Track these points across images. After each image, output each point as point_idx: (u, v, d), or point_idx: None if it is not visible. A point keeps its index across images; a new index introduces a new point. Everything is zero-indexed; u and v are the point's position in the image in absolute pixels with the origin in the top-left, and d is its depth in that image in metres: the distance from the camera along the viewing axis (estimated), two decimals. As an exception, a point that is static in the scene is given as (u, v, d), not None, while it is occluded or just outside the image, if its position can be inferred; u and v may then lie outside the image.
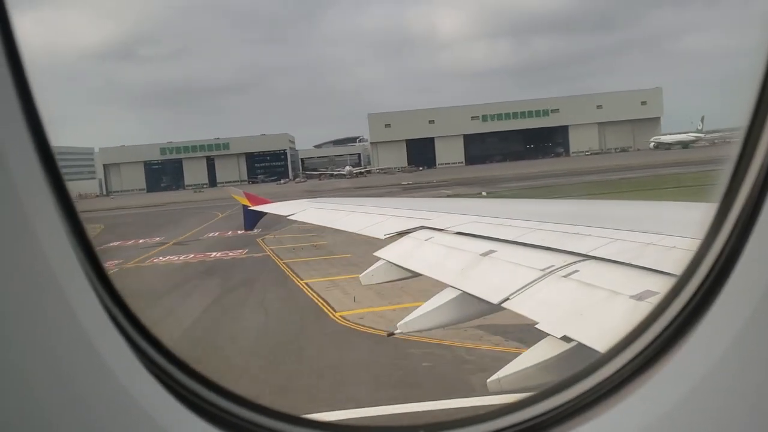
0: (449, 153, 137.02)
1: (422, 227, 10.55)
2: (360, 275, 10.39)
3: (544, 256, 6.89)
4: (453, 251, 8.83)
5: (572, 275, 6.07)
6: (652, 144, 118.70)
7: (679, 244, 5.46)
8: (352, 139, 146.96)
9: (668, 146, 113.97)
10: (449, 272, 7.98)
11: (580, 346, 4.79)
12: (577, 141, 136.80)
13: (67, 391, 1.65)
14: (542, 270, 6.42)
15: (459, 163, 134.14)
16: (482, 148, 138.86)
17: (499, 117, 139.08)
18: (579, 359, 4.68)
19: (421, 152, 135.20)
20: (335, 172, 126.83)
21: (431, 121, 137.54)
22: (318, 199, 22.73)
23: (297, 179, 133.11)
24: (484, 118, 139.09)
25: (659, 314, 2.00)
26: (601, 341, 4.32)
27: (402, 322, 7.76)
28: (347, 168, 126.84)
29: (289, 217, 18.68)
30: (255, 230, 38.49)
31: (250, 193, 27.20)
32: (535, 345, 5.47)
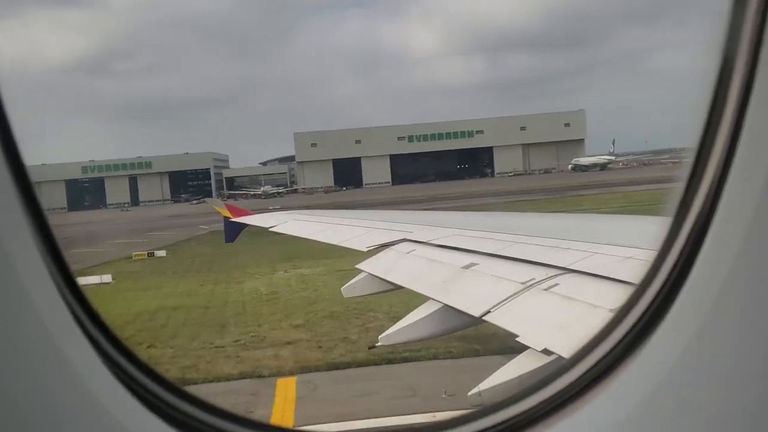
0: (376, 173, 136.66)
1: (404, 240, 10.57)
2: (342, 288, 10.39)
3: (525, 269, 6.94)
4: (435, 264, 8.86)
5: (553, 288, 6.12)
6: (570, 166, 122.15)
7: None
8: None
9: (585, 168, 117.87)
10: (431, 285, 8.01)
11: (561, 359, 4.82)
12: (501, 162, 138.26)
13: (32, 394, 1.63)
14: (523, 283, 6.47)
15: (386, 183, 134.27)
16: (415, 168, 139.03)
17: (425, 138, 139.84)
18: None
19: (348, 172, 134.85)
20: (251, 192, 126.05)
21: (358, 141, 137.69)
22: (301, 210, 22.70)
23: (212, 198, 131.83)
24: (410, 138, 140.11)
25: (620, 321, 2.09)
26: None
27: (384, 334, 7.76)
28: (262, 188, 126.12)
29: (270, 229, 18.62)
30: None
31: (231, 204, 27.09)
32: (516, 358, 5.50)
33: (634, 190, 63.20)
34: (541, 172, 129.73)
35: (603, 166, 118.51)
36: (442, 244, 9.55)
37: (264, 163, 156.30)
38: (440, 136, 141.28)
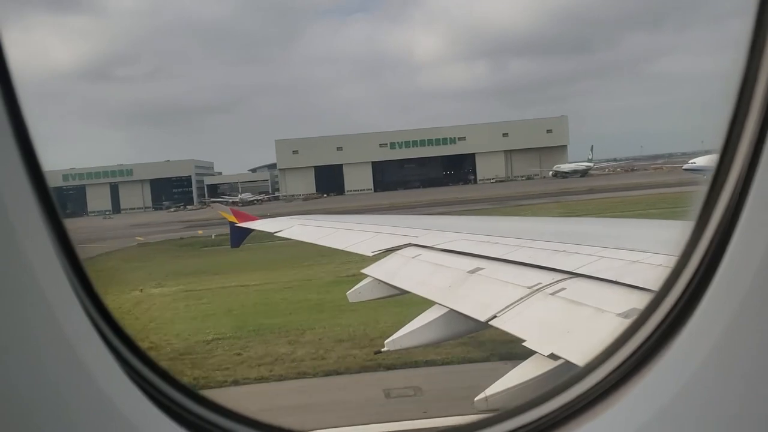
0: (358, 180, 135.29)
1: (410, 244, 10.55)
2: (347, 292, 10.36)
3: (531, 273, 6.92)
4: (440, 268, 8.84)
5: (559, 293, 6.10)
6: (551, 172, 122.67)
7: (666, 263, 5.50)
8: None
9: (566, 174, 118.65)
10: (437, 289, 7.99)
11: (567, 364, 4.79)
12: (484, 168, 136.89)
13: (49, 396, 1.64)
14: (529, 288, 6.44)
15: (368, 189, 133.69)
16: (401, 174, 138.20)
17: (407, 144, 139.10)
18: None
19: (330, 179, 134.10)
20: (229, 200, 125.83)
21: (339, 148, 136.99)
22: (305, 216, 22.70)
23: (190, 206, 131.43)
24: (392, 145, 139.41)
25: (639, 327, 2.06)
26: (588, 359, 4.32)
27: (389, 339, 7.74)
28: (240, 196, 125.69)
29: (276, 234, 18.61)
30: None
31: (237, 210, 27.10)
32: (523, 363, 5.47)
33: (587, 198, 62.69)
34: (524, 178, 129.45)
35: (583, 173, 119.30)
36: (447, 248, 9.53)
37: (253, 170, 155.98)
38: (422, 143, 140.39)
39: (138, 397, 1.90)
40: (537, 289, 6.33)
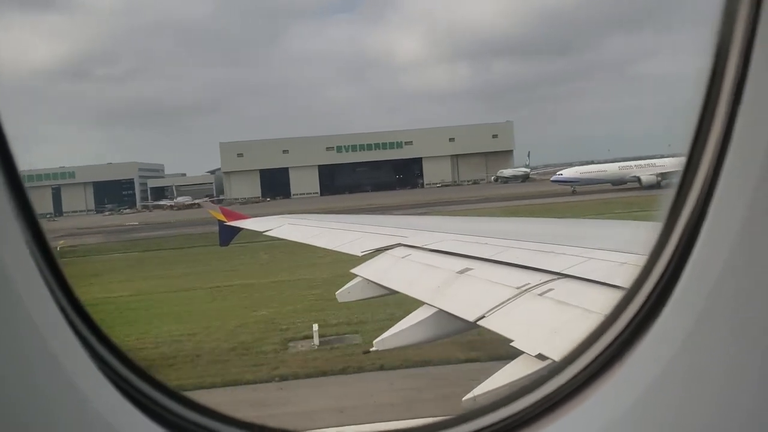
0: (304, 183, 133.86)
1: (399, 245, 10.58)
2: (336, 292, 10.37)
3: (519, 274, 6.96)
4: (430, 269, 8.87)
5: (547, 293, 6.14)
6: (493, 177, 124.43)
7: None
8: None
9: (506, 180, 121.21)
10: (426, 290, 8.01)
11: (554, 364, 4.82)
12: (431, 173, 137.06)
13: (23, 393, 1.64)
14: (518, 288, 6.48)
15: (314, 193, 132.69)
16: (353, 178, 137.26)
17: (354, 148, 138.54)
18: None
19: (276, 182, 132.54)
20: (167, 203, 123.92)
21: (285, 151, 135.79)
22: (295, 215, 22.67)
23: (128, 209, 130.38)
24: (339, 149, 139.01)
25: (611, 323, 2.11)
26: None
27: (378, 339, 7.75)
28: (177, 199, 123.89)
29: (265, 233, 18.57)
30: None
31: (226, 208, 27.01)
32: (511, 363, 5.51)
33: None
34: (470, 183, 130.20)
35: (524, 178, 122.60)
36: (436, 248, 9.55)
37: (212, 172, 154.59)
38: (369, 147, 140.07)
39: (112, 393, 1.90)
40: (525, 290, 6.37)
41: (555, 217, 30.52)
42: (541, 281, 6.41)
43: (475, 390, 5.63)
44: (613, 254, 6.56)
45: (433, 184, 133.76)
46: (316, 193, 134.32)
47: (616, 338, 2.06)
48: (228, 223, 22.26)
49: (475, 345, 16.36)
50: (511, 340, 5.57)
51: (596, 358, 2.09)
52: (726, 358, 1.81)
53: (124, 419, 1.88)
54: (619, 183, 78.81)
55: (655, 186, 69.10)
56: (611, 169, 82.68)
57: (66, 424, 1.72)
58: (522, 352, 5.36)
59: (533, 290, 6.30)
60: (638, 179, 74.44)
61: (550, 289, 6.17)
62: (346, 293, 10.08)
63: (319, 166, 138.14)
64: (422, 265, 9.23)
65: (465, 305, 6.97)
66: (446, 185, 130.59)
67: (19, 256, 1.67)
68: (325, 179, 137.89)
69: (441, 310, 7.18)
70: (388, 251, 10.49)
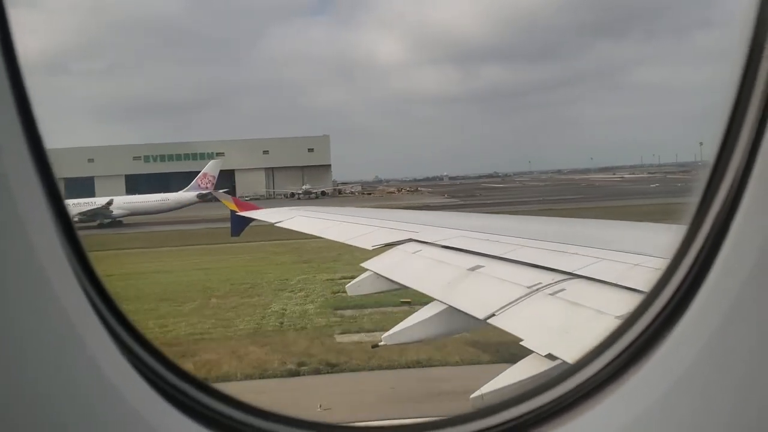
0: (111, 193, 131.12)
1: (410, 240, 10.55)
2: (347, 285, 10.37)
3: (531, 273, 6.91)
4: (440, 265, 8.84)
5: (559, 293, 6.09)
6: (298, 191, 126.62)
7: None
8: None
9: (309, 194, 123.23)
10: (436, 286, 7.98)
11: (564, 365, 4.79)
12: (243, 185, 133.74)
13: (56, 390, 1.64)
14: (529, 287, 6.44)
15: None
16: (164, 189, 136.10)
17: (162, 158, 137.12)
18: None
19: (81, 191, 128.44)
20: None
21: (91, 160, 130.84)
22: (307, 207, 22.71)
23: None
24: (146, 158, 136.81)
25: (630, 325, 2.08)
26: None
27: (387, 334, 7.74)
28: None
29: (276, 225, 18.60)
30: None
31: (238, 199, 27.09)
32: (520, 362, 5.48)
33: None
34: (284, 197, 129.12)
35: (323, 193, 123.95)
36: (448, 245, 9.52)
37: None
38: (178, 157, 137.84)
39: (147, 390, 1.90)
40: (536, 289, 6.33)
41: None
42: (553, 281, 6.37)
43: (483, 388, 5.61)
44: (626, 256, 6.50)
45: (245, 196, 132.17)
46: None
47: (633, 341, 2.03)
48: (239, 213, 22.33)
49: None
50: (521, 339, 5.55)
51: (612, 361, 2.06)
52: (748, 367, 1.77)
53: (154, 411, 1.88)
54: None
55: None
56: None
57: (93, 413, 1.73)
58: (531, 352, 5.33)
59: (545, 290, 6.26)
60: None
61: (562, 289, 6.13)
62: (356, 287, 10.09)
63: (126, 175, 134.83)
64: (433, 261, 9.20)
65: (475, 303, 6.94)
66: (256, 198, 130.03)
67: (51, 248, 1.69)
68: (137, 189, 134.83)
69: (451, 307, 7.16)
70: (399, 246, 10.46)
